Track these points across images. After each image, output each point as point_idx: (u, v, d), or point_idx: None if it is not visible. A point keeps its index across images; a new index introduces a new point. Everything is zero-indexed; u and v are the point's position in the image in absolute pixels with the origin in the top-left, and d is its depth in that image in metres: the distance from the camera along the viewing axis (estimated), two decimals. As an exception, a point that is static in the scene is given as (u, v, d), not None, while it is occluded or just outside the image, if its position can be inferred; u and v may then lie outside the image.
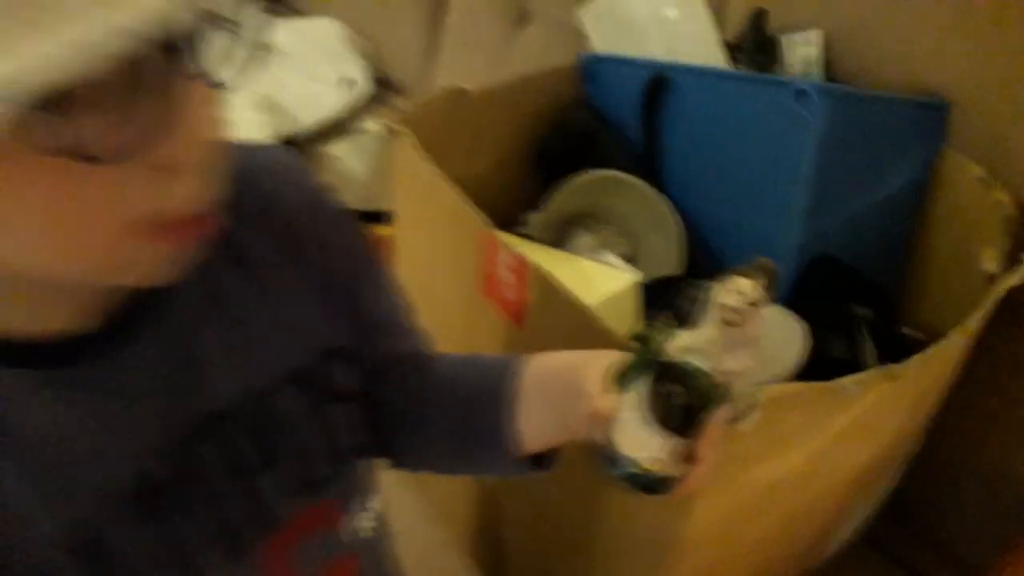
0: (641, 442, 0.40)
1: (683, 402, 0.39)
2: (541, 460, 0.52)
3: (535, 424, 0.50)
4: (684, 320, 0.41)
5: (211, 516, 0.44)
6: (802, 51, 0.94)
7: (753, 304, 0.38)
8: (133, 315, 0.41)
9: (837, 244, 0.80)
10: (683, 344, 0.40)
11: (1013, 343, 0.80)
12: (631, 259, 0.85)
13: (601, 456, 0.42)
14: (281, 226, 0.48)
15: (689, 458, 0.41)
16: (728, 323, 0.39)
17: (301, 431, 0.47)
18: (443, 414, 0.54)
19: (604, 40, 1.02)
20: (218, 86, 0.35)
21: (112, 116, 0.30)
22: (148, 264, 0.37)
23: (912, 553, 0.88)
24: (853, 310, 0.76)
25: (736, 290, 0.38)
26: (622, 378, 0.42)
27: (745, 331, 0.39)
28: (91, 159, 0.30)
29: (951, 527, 0.82)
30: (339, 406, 0.50)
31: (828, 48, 0.91)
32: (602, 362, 0.44)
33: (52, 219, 0.32)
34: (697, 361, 0.39)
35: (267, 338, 0.47)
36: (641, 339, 0.41)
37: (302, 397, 0.47)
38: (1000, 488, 0.84)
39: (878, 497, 0.83)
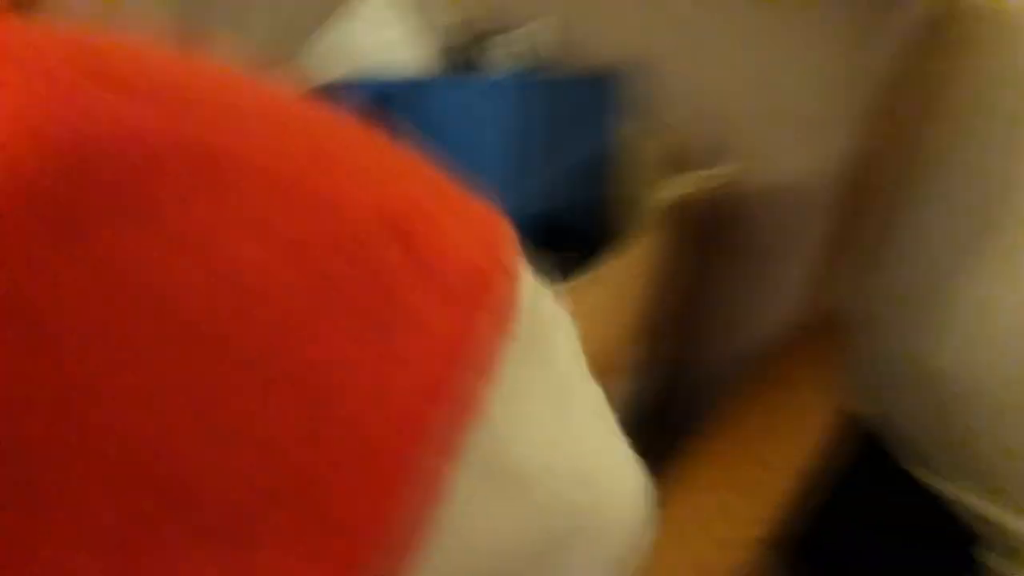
0: None
1: None
2: None
3: None
4: None
5: None
6: (505, 51, 1.10)
7: None
8: None
9: (543, 204, 0.95)
10: None
11: (695, 256, 0.99)
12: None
13: None
14: None
15: None
16: None
17: None
18: None
19: (335, 72, 1.15)
20: None
21: None
22: None
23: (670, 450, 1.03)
24: (558, 255, 0.91)
25: None
26: None
27: None
28: None
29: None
30: None
31: (548, 40, 1.10)
32: None
33: None
34: None
35: None
36: None
37: None
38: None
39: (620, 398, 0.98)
